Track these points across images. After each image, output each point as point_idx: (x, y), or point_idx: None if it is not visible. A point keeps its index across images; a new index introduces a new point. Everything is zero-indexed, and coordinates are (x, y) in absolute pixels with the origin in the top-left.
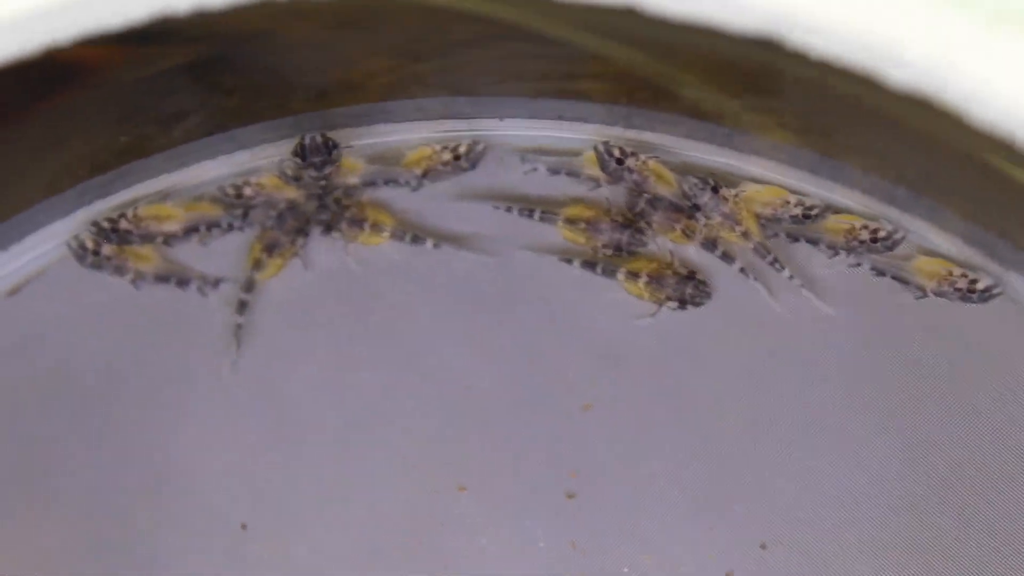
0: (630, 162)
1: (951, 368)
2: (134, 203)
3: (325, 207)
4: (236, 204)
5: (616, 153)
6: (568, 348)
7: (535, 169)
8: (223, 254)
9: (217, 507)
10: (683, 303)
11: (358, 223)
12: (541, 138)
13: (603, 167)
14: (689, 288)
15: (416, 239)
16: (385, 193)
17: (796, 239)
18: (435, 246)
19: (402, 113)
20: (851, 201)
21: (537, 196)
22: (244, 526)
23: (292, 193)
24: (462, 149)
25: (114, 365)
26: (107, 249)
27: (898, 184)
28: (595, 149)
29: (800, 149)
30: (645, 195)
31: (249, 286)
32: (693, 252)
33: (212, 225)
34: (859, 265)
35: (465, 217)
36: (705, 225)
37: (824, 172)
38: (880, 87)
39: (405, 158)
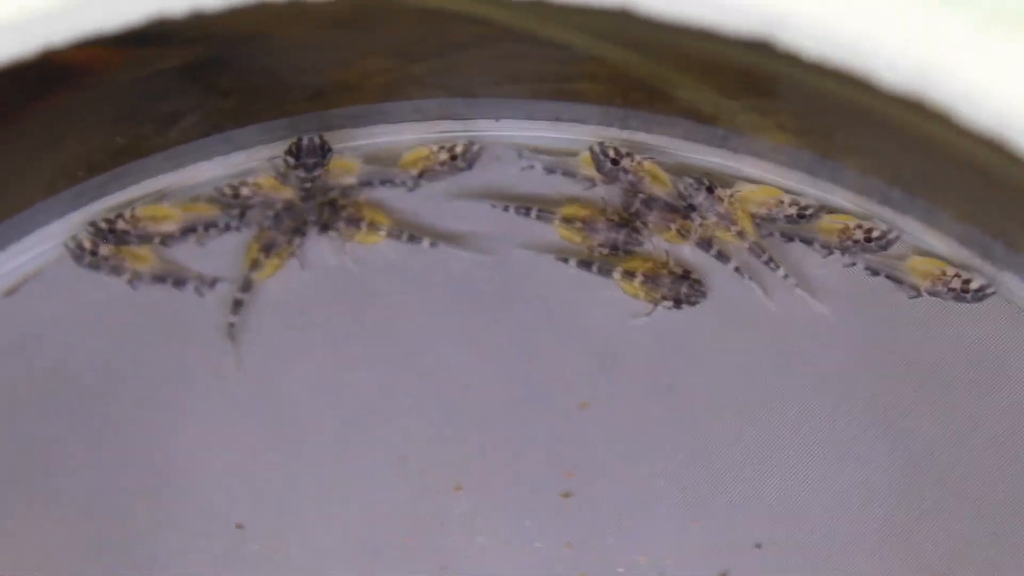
0: (625, 163)
1: (944, 368)
2: (131, 204)
3: (310, 208)
4: (233, 204)
5: (611, 154)
6: (565, 347)
7: (532, 166)
8: (220, 254)
9: (216, 507)
10: (678, 302)
11: (355, 222)
12: (537, 139)
13: (598, 168)
14: (684, 287)
15: (413, 238)
16: (382, 193)
17: (791, 239)
18: (432, 245)
19: (399, 114)
20: (847, 202)
21: (533, 195)
22: (242, 526)
23: (289, 193)
24: (459, 149)
25: (112, 365)
26: (104, 249)
27: (893, 185)
28: (590, 150)
29: (796, 150)
30: (640, 195)
31: (247, 286)
32: (688, 252)
33: (209, 225)
34: (853, 265)
35: (462, 216)
36: (700, 225)
37: (820, 173)
38: (873, 88)
39: (402, 158)
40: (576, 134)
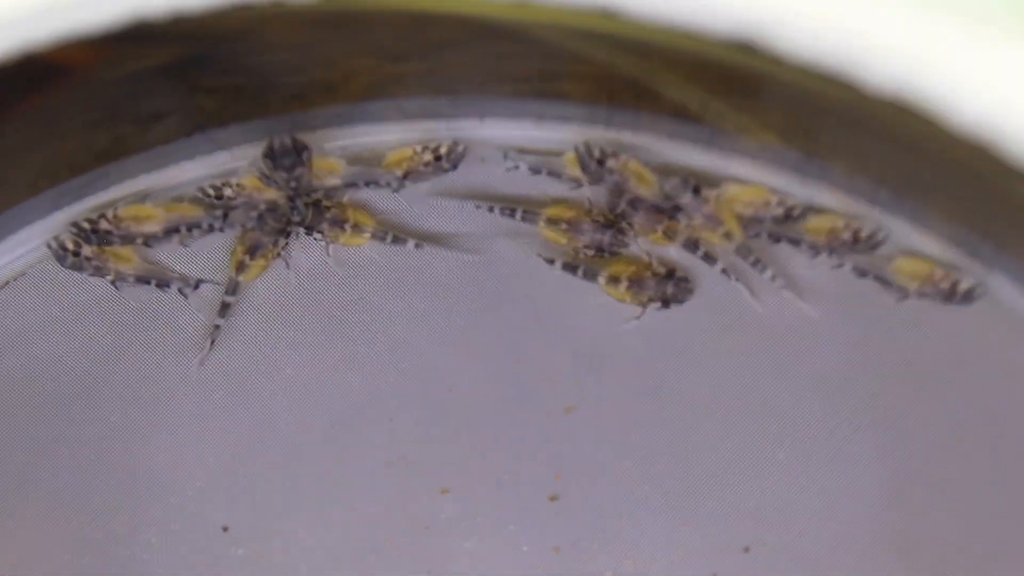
0: (610, 163)
1: (934, 369)
2: (114, 204)
3: (296, 208)
4: (216, 205)
5: (596, 153)
6: (552, 348)
7: (517, 167)
8: (203, 255)
9: (198, 509)
10: (666, 302)
11: (339, 224)
12: (522, 138)
13: (583, 167)
14: (670, 287)
15: (397, 239)
16: (366, 194)
17: (778, 239)
18: (417, 246)
19: (382, 114)
20: (835, 202)
21: (519, 196)
22: (226, 528)
23: (272, 194)
24: (443, 150)
25: (94, 366)
26: (87, 250)
27: (881, 185)
28: (575, 149)
29: (783, 150)
30: (626, 196)
31: (233, 289)
32: (674, 252)
33: (192, 226)
34: (841, 266)
35: (446, 217)
36: (687, 226)
37: (808, 173)
38: (861, 89)
39: (386, 159)
40: (561, 133)
